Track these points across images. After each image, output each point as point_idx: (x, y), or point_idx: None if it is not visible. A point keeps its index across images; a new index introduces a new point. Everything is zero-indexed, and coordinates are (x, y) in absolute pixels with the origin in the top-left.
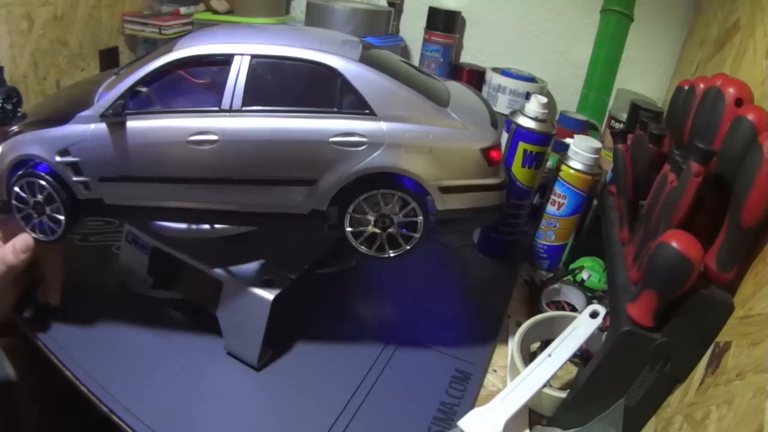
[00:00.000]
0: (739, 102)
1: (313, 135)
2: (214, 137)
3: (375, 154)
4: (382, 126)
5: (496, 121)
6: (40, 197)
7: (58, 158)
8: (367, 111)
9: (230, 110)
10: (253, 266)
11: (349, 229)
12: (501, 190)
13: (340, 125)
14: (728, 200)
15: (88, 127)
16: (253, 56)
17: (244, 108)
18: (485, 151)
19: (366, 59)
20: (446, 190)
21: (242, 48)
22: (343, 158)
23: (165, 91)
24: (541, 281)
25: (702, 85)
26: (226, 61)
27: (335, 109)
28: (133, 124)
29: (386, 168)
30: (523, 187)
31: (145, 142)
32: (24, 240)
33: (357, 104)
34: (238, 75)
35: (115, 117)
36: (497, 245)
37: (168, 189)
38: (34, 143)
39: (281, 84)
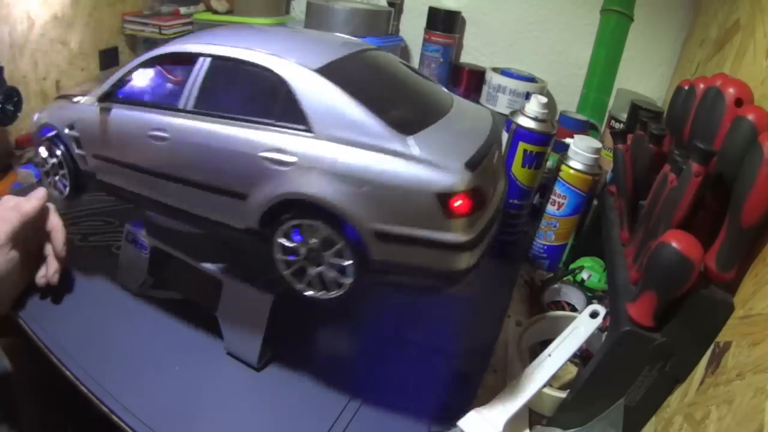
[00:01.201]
0: (739, 102)
1: (244, 146)
2: (166, 134)
3: (301, 178)
4: (316, 146)
5: (480, 162)
6: (55, 160)
7: (67, 131)
8: (303, 127)
9: (184, 110)
10: (253, 266)
11: (277, 256)
12: (462, 252)
13: (271, 139)
14: (728, 200)
15: (87, 108)
16: (213, 58)
17: (195, 109)
18: (443, 197)
19: (336, 68)
20: (384, 237)
21: (207, 49)
22: (269, 176)
23: (146, 86)
24: (541, 281)
25: (702, 85)
26: (193, 61)
27: (271, 121)
28: (116, 111)
29: (310, 196)
30: (523, 187)
31: (120, 130)
32: (40, 190)
33: (295, 118)
34: (197, 76)
35: (101, 102)
36: (497, 245)
37: (134, 176)
38: (55, 114)
39: (231, 88)
